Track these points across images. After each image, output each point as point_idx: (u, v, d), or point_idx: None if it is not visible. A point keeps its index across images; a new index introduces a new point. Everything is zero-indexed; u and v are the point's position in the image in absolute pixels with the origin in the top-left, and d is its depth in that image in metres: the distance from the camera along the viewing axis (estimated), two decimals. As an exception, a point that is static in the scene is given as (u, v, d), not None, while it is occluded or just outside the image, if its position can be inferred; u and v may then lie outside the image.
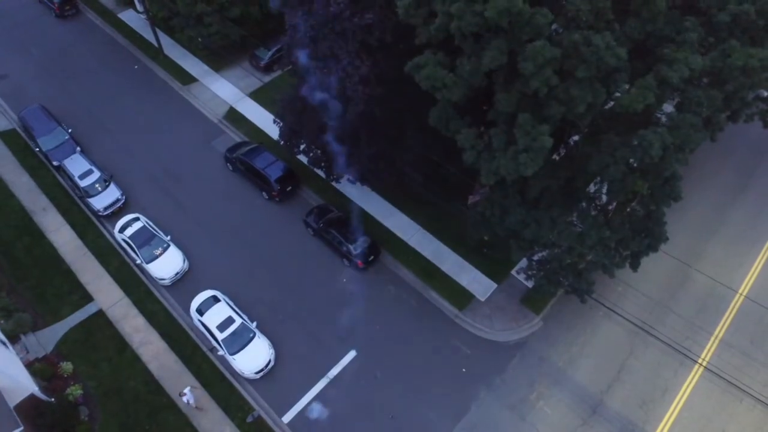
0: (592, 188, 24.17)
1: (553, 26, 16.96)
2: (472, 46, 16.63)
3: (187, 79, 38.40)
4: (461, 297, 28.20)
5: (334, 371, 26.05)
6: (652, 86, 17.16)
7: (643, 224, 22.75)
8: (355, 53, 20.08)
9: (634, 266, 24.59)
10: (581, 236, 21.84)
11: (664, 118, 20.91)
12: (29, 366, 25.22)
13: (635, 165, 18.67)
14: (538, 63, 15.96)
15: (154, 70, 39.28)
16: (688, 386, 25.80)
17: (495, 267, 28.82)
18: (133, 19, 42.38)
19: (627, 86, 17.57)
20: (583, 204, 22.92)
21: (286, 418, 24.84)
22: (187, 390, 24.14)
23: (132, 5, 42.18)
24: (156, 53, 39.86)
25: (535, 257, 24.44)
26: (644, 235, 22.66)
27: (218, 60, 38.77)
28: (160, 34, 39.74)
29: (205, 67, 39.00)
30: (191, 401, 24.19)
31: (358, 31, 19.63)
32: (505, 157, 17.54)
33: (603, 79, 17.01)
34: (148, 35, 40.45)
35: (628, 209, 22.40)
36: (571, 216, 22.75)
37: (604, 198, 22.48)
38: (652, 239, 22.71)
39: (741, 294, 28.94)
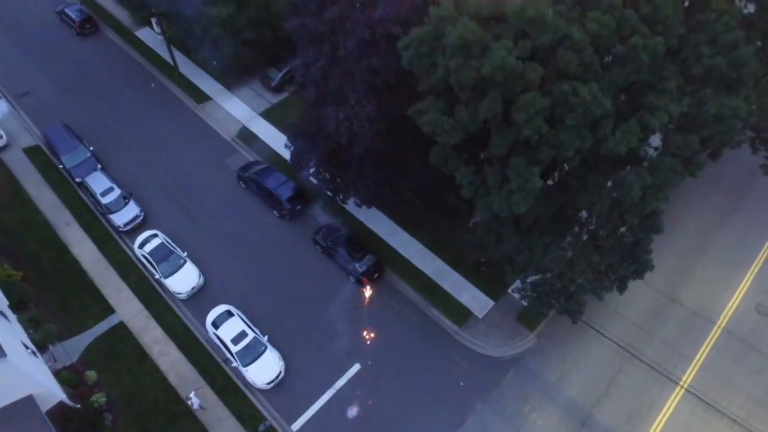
0: (584, 214, 25.75)
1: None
2: (469, 96, 18.26)
3: (202, 97, 40.17)
4: (460, 314, 29.85)
5: (340, 383, 27.80)
6: (636, 131, 18.75)
7: (630, 251, 24.30)
8: (363, 93, 21.74)
9: (621, 289, 26.12)
10: (571, 261, 23.44)
11: (652, 150, 22.48)
12: (57, 374, 27.10)
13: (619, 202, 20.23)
14: (529, 113, 17.57)
15: (170, 88, 41.08)
16: (671, 403, 27.38)
17: (492, 285, 30.43)
18: (150, 37, 44.11)
19: (613, 130, 19.12)
20: (576, 229, 24.51)
21: (295, 426, 26.63)
22: (192, 395, 26.02)
23: (149, 24, 43.92)
24: (171, 71, 41.66)
25: (529, 279, 26.04)
26: (631, 262, 24.20)
27: (231, 79, 40.46)
28: (175, 52, 41.49)
29: (219, 86, 40.75)
30: (195, 404, 26.07)
31: (365, 73, 21.28)
32: (499, 196, 19.19)
33: (590, 125, 18.59)
34: (164, 53, 42.19)
35: (618, 234, 23.91)
36: (563, 241, 24.33)
37: (594, 224, 24.02)
38: (638, 266, 24.27)
39: (725, 316, 30.43)
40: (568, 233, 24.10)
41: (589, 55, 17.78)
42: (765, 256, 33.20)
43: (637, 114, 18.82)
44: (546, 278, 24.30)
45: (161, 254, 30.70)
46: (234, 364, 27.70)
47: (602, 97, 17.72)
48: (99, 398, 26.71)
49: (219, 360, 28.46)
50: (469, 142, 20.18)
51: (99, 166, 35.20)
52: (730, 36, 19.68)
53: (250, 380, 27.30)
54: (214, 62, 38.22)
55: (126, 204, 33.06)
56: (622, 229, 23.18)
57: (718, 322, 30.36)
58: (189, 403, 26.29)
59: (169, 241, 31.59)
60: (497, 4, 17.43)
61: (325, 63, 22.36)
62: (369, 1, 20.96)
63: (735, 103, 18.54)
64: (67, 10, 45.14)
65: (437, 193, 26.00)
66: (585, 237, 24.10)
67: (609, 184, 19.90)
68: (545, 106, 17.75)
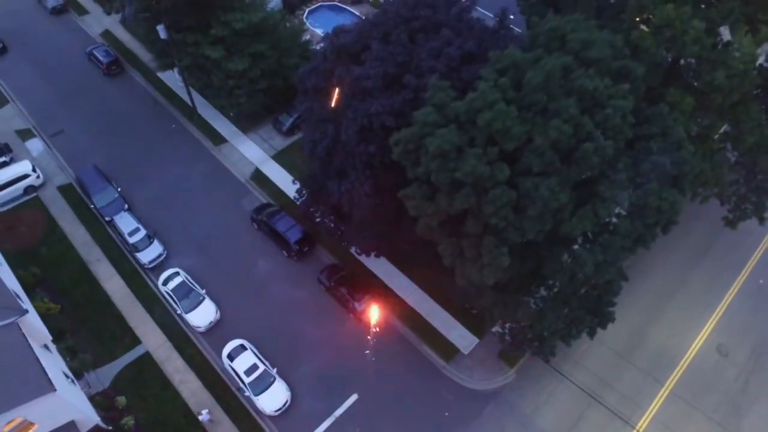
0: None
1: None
2: (447, 189, 21.72)
3: (218, 139, 43.88)
4: (448, 350, 33.36)
5: (339, 411, 31.44)
6: (590, 217, 22.13)
7: (595, 305, 27.68)
8: (361, 170, 25.24)
9: (591, 335, 29.49)
10: (541, 315, 26.87)
11: (615, 219, 25.73)
12: (92, 399, 30.97)
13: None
14: (497, 205, 21.01)
15: (189, 129, 44.83)
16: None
17: (478, 324, 33.86)
18: (171, 78, 47.76)
19: (570, 216, 22.50)
20: (543, 290, 27.83)
21: (300, 450, 30.38)
22: (204, 411, 30.22)
23: (171, 68, 47.61)
24: (191, 113, 45.39)
25: (506, 325, 29.50)
26: (594, 315, 27.59)
27: (245, 122, 44.10)
28: (194, 94, 45.12)
29: (234, 128, 44.41)
30: (206, 419, 30.28)
31: (363, 155, 24.78)
32: (473, 268, 22.65)
33: (551, 212, 21.98)
34: (185, 95, 45.86)
35: (581, 293, 27.26)
36: (535, 296, 27.73)
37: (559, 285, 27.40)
38: (602, 319, 27.64)
39: (689, 355, 33.70)
40: (539, 290, 27.48)
41: (550, 156, 21.17)
42: (730, 298, 36.40)
43: (591, 202, 22.18)
44: (520, 327, 27.73)
45: (183, 291, 34.47)
46: (246, 393, 31.42)
47: (559, 192, 21.11)
48: (128, 421, 30.55)
49: (233, 389, 32.21)
50: (450, 219, 23.64)
51: (126, 206, 39.04)
52: (676, 133, 22.99)
53: (260, 408, 31.01)
54: (231, 113, 41.83)
55: (150, 243, 36.87)
56: (584, 290, 26.54)
57: (682, 361, 33.64)
58: (200, 417, 30.16)
59: (190, 278, 35.34)
60: (470, 115, 20.85)
61: (329, 142, 25.92)
62: (368, 93, 24.46)
63: (674, 198, 21.83)
64: (95, 52, 49.00)
65: (428, 248, 29.44)
66: (554, 293, 27.48)
67: (567, 258, 23.32)
68: (512, 198, 21.19)
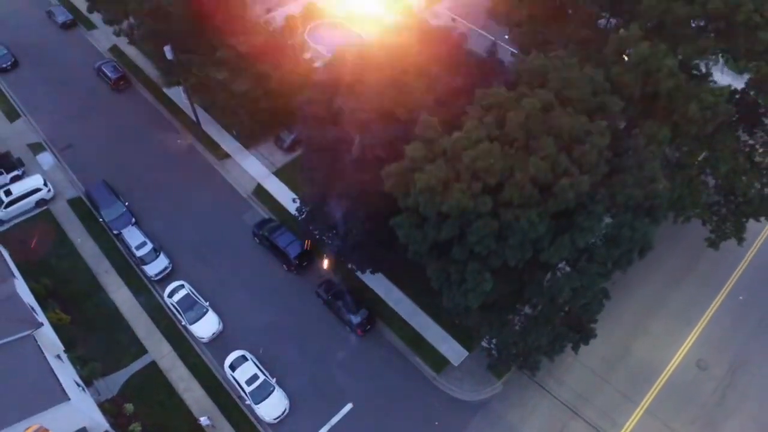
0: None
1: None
2: (435, 219, 23.41)
3: (221, 154, 45.58)
4: (439, 362, 35.05)
5: (335, 420, 33.17)
6: (567, 245, 23.79)
7: (576, 322, 29.34)
8: (357, 196, 27.01)
9: (575, 349, 31.15)
10: (525, 332, 28.54)
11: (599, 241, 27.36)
12: (101, 406, 32.77)
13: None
14: (480, 235, 22.69)
15: (193, 143, 46.56)
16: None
17: (468, 337, 35.53)
18: (176, 94, 49.23)
19: (549, 244, 24.15)
20: (527, 308, 29.47)
21: (297, 456, 32.14)
22: (204, 417, 32.11)
23: (177, 84, 49.29)
24: (195, 128, 47.07)
25: (493, 340, 31.17)
26: (576, 332, 29.25)
27: (248, 138, 45.75)
28: (198, 109, 46.71)
29: (237, 144, 46.08)
30: (205, 423, 32.01)
31: (359, 182, 26.52)
32: (458, 292, 24.34)
33: (530, 242, 23.64)
34: (189, 110, 47.46)
35: (563, 313, 28.92)
36: (520, 314, 29.40)
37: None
38: (583, 335, 29.30)
39: (669, 369, 35.31)
40: (523, 308, 29.15)
41: (530, 190, 22.82)
42: (711, 314, 37.99)
43: (570, 231, 23.83)
44: (505, 344, 29.41)
45: (187, 304, 36.25)
46: (247, 402, 33.18)
47: (538, 223, 22.78)
48: (136, 428, 32.34)
49: (234, 397, 33.98)
50: (437, 244, 25.32)
51: (133, 220, 40.81)
52: (650, 168, 24.63)
53: (260, 416, 32.77)
54: (234, 132, 43.57)
55: (157, 256, 38.63)
56: (566, 308, 28.21)
57: (663, 374, 35.27)
58: (201, 422, 31.92)
59: (194, 291, 37.10)
60: (455, 153, 22.54)
61: (327, 170, 27.65)
62: (362, 125, 26.15)
63: (645, 228, 23.48)
64: (104, 68, 50.78)
65: (420, 267, 31.14)
66: (538, 311, 29.14)
67: (547, 282, 25.00)
68: (494, 229, 22.86)
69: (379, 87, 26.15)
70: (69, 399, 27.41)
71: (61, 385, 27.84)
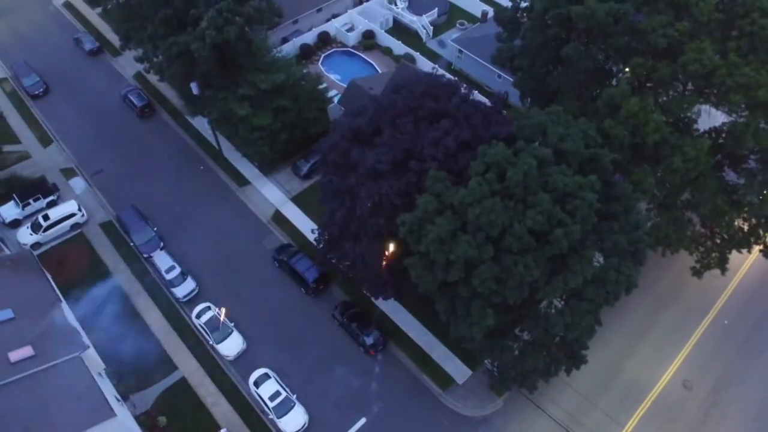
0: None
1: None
2: (443, 264, 26.57)
3: (242, 181, 48.80)
4: (445, 380, 38.21)
5: (350, 433, 36.47)
6: (560, 286, 26.92)
7: (569, 349, 32.46)
8: (373, 237, 30.14)
9: (568, 372, 34.28)
10: (523, 356, 31.67)
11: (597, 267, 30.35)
12: (137, 419, 36.06)
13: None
14: (482, 278, 25.84)
15: (215, 171, 49.79)
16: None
17: (472, 357, 38.65)
18: (200, 122, 52.57)
19: (544, 284, 27.27)
20: (526, 333, 32.59)
21: (315, 466, 35.39)
22: (223, 430, 35.11)
23: (201, 114, 52.45)
24: (217, 155, 50.32)
25: (494, 363, 34.35)
26: (569, 358, 32.37)
27: (267, 166, 48.93)
28: (220, 137, 49.91)
29: (256, 171, 49.29)
30: None
31: (375, 225, 29.66)
32: (464, 325, 27.52)
33: (527, 284, 26.75)
34: (212, 138, 50.71)
35: (560, 337, 32.01)
36: (520, 339, 32.53)
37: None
38: (575, 361, 32.43)
39: (657, 389, 38.36)
40: (522, 335, 32.29)
41: (527, 239, 25.94)
42: (697, 337, 41.02)
43: (563, 273, 26.95)
44: (505, 367, 32.57)
45: (214, 324, 39.51)
46: (270, 416, 36.43)
47: (534, 268, 25.90)
48: (169, 439, 35.68)
49: (258, 411, 37.25)
50: (445, 283, 28.48)
51: (162, 244, 44.06)
52: (636, 216, 27.73)
53: (282, 429, 35.99)
54: (254, 163, 46.89)
55: (185, 280, 41.88)
56: (560, 337, 31.35)
57: (650, 394, 38.34)
58: None
59: (219, 312, 40.32)
60: (462, 206, 25.70)
61: (345, 212, 30.84)
62: (379, 174, 29.32)
63: (630, 271, 26.60)
64: (130, 95, 54.08)
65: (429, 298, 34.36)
66: (534, 338, 32.27)
67: (542, 310, 28.15)
68: (495, 272, 26.00)
69: (394, 140, 29.29)
70: (115, 415, 30.63)
71: (108, 402, 31.06)
